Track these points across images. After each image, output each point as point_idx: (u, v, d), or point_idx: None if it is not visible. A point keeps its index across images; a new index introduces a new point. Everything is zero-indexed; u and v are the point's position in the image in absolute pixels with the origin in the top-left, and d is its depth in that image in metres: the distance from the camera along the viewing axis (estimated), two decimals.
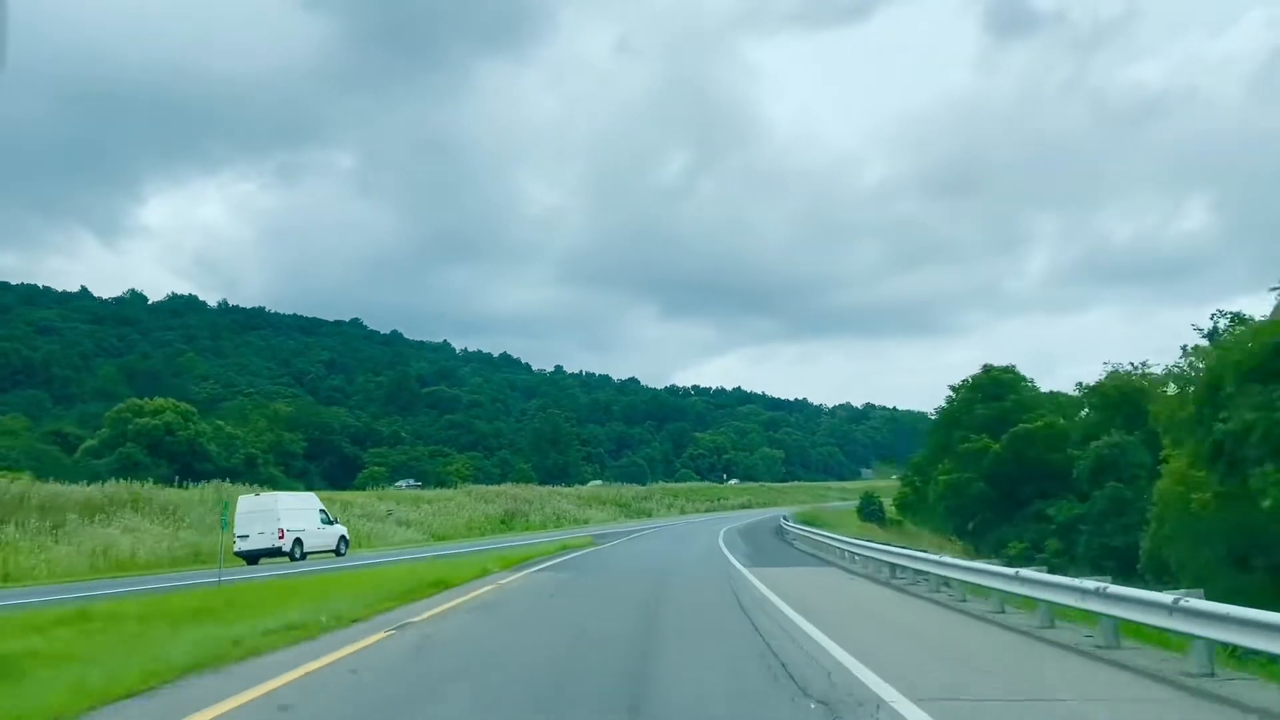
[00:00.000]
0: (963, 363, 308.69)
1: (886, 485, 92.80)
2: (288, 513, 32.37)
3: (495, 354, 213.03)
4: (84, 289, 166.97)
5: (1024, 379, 59.84)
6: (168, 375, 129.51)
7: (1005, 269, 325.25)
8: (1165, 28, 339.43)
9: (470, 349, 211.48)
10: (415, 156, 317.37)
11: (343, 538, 35.10)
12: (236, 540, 30.94)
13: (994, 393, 57.08)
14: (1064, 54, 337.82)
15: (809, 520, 53.62)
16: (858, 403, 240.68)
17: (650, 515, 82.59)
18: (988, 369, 59.62)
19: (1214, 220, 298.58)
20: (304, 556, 31.86)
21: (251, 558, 31.18)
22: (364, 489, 71.83)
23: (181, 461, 66.71)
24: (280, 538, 31.34)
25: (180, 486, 39.48)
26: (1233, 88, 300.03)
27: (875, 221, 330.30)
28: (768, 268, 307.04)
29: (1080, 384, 54.42)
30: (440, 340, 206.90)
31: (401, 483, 54.69)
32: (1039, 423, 50.79)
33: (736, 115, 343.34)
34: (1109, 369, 49.01)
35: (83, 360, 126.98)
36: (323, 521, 34.33)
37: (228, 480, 43.89)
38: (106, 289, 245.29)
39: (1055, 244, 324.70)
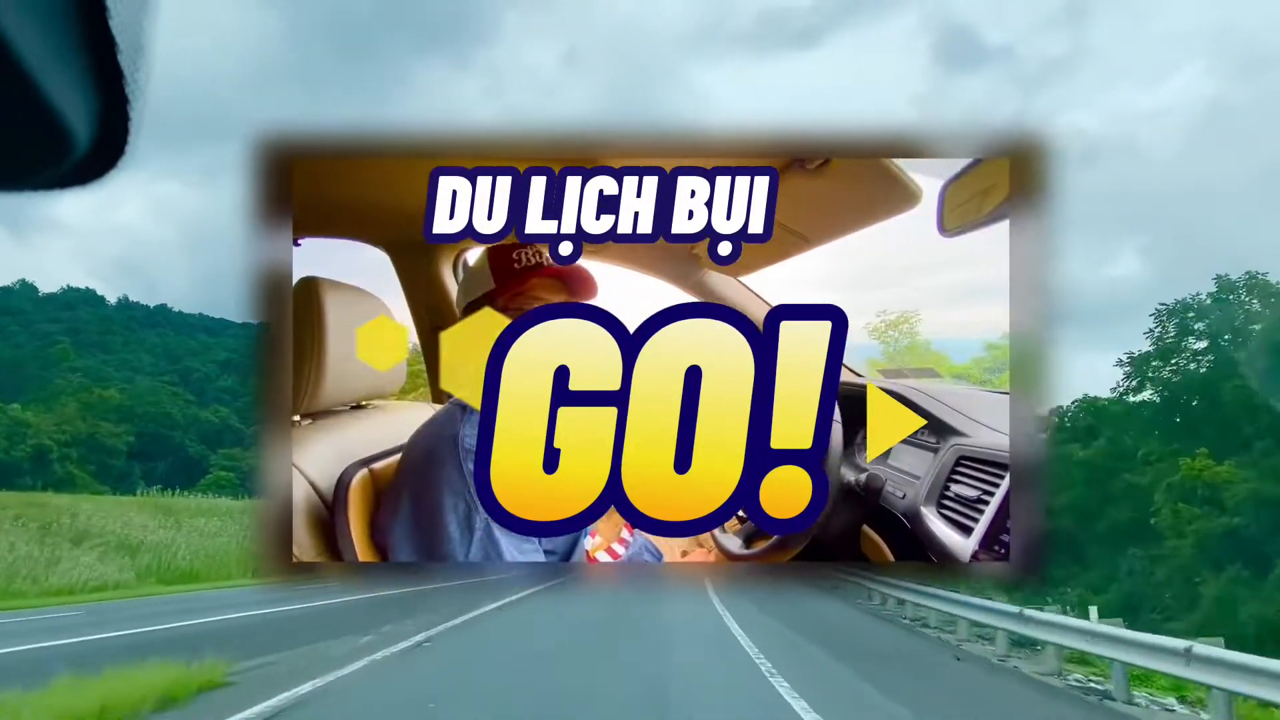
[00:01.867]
0: None
1: None
2: None
3: None
4: None
5: None
6: (35, 367, 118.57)
7: None
8: (1108, 72, 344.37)
9: None
10: None
11: None
12: None
13: None
14: (1010, 91, 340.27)
15: None
16: None
17: None
18: None
19: (1143, 267, 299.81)
20: None
21: None
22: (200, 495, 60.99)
23: None
24: None
25: None
26: (1169, 136, 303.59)
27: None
28: None
29: None
30: None
31: None
32: None
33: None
34: None
35: None
36: None
37: None
38: None
39: None
